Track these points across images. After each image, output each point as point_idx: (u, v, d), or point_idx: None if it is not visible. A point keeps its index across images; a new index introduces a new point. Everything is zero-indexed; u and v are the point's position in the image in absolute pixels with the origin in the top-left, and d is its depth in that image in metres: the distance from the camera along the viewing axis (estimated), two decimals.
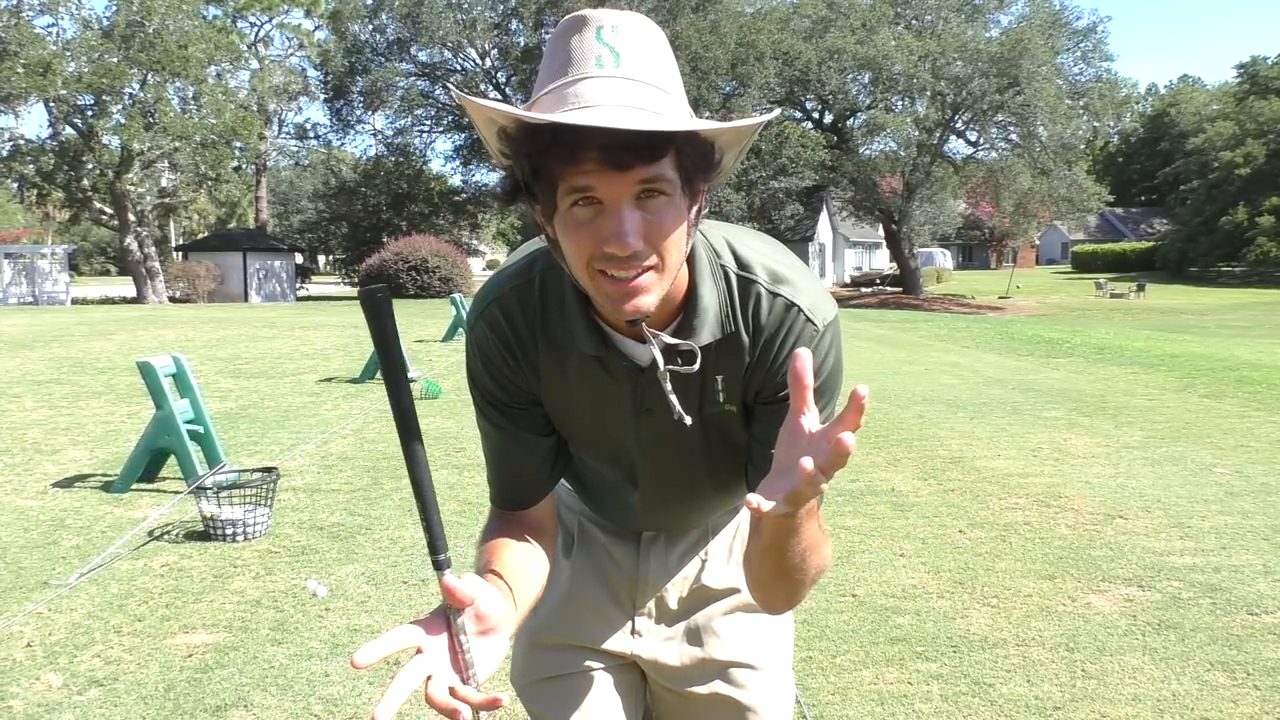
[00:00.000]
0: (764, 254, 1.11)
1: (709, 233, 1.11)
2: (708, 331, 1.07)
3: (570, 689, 1.32)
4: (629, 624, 1.35)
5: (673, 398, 1.06)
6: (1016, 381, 9.97)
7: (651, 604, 1.35)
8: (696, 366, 1.06)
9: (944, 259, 55.69)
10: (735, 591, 1.35)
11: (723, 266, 1.09)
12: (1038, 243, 63.78)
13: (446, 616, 0.90)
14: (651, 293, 0.97)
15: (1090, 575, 3.85)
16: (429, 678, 0.87)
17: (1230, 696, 2.80)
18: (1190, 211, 52.43)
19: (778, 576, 1.05)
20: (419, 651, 0.88)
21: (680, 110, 0.96)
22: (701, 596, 1.36)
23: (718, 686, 1.33)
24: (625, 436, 1.17)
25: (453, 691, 0.87)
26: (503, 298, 1.13)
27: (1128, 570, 3.90)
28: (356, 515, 4.74)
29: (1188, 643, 3.17)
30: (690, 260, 1.06)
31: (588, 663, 1.33)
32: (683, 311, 1.07)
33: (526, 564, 1.12)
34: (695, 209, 1.00)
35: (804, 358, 0.84)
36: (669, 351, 1.06)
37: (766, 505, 0.82)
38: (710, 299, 1.07)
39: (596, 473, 1.29)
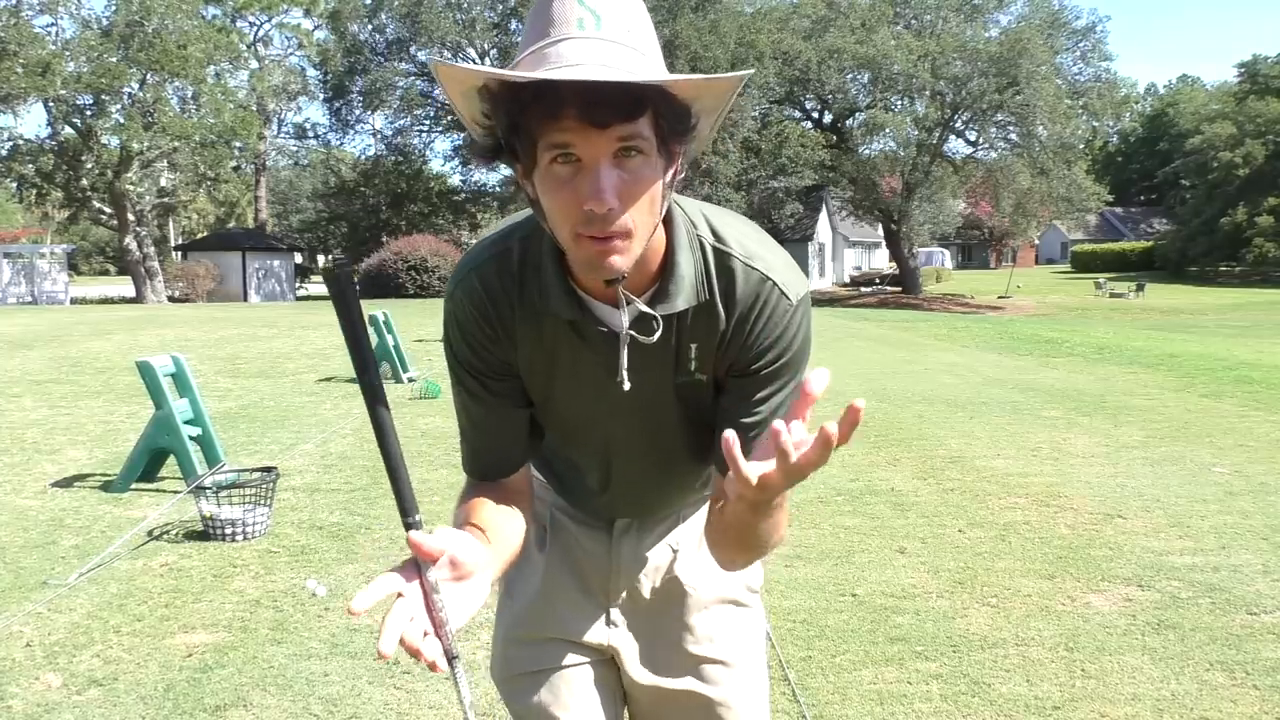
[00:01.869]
0: (740, 230, 1.15)
1: (687, 206, 1.14)
2: (683, 298, 1.09)
3: (548, 683, 1.33)
4: (604, 615, 1.36)
5: (624, 362, 1.10)
6: (1016, 381, 9.97)
7: (625, 594, 1.37)
8: (656, 337, 1.08)
9: (944, 259, 55.72)
10: (708, 584, 1.36)
11: (699, 237, 1.12)
12: (1037, 242, 63.81)
13: (418, 568, 0.93)
14: (626, 253, 0.99)
15: (1089, 575, 3.85)
16: (411, 619, 0.90)
17: (1229, 696, 2.80)
18: (1190, 211, 52.45)
19: (739, 549, 1.11)
20: (399, 595, 0.91)
21: (658, 71, 0.98)
22: (674, 588, 1.37)
23: (690, 683, 1.34)
24: (600, 403, 1.18)
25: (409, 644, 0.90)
26: (480, 266, 1.15)
27: (1127, 570, 3.90)
28: (356, 515, 4.74)
29: (1187, 642, 3.17)
30: (668, 228, 1.09)
31: (566, 657, 1.34)
32: (659, 278, 1.09)
33: (504, 520, 1.15)
34: (671, 172, 1.02)
35: (818, 379, 0.84)
36: (640, 319, 1.09)
37: (751, 470, 0.84)
38: (687, 266, 1.09)
39: (568, 455, 1.30)
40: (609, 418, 1.21)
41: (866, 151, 38.73)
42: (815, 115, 40.43)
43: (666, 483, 1.33)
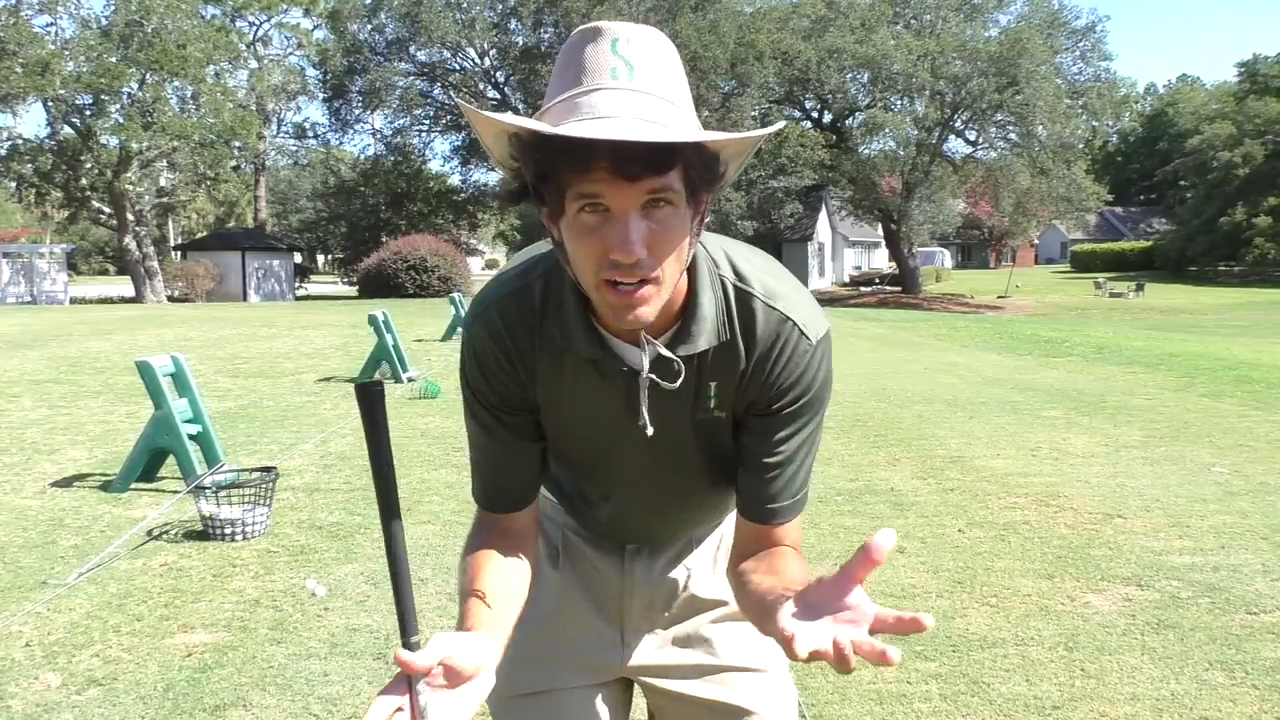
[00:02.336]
0: (761, 269, 1.14)
1: (708, 244, 1.13)
2: (704, 338, 1.09)
3: (552, 706, 1.30)
4: (617, 637, 1.34)
5: (644, 407, 1.10)
6: (1015, 381, 9.97)
7: (639, 616, 1.35)
8: (678, 384, 1.08)
9: (943, 259, 55.72)
10: (724, 603, 1.35)
11: (720, 277, 1.11)
12: (1036, 242, 63.84)
13: (409, 683, 0.92)
14: (652, 303, 0.99)
15: (1089, 574, 3.85)
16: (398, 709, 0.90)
17: (1229, 696, 2.80)
18: (1189, 211, 52.47)
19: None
20: (398, 710, 0.90)
21: (689, 124, 0.98)
22: (691, 606, 1.35)
23: (716, 692, 1.32)
24: (617, 441, 1.18)
25: None
26: (501, 300, 1.14)
27: (1126, 569, 3.90)
28: (355, 515, 4.74)
29: (1186, 642, 3.17)
30: (690, 268, 1.08)
31: (572, 679, 1.32)
32: (681, 318, 1.09)
33: (510, 581, 1.14)
34: (697, 219, 1.02)
35: (883, 542, 0.84)
36: (659, 361, 1.08)
37: (802, 648, 0.84)
38: (709, 307, 1.09)
39: (579, 486, 1.29)
40: (625, 454, 1.20)
41: (866, 151, 38.75)
42: (815, 115, 40.44)
43: (679, 515, 1.32)
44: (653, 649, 1.34)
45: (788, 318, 1.11)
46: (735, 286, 1.11)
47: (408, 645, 0.93)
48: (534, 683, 1.31)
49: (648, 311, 0.99)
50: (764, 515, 1.17)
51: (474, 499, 1.24)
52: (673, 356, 1.07)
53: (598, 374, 1.12)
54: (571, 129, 0.90)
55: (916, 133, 37.22)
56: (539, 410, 1.18)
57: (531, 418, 1.18)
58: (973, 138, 39.36)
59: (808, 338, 1.11)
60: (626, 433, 1.15)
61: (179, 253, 37.98)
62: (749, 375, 1.12)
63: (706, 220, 1.05)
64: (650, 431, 1.11)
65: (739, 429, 1.17)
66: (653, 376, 1.08)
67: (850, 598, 0.87)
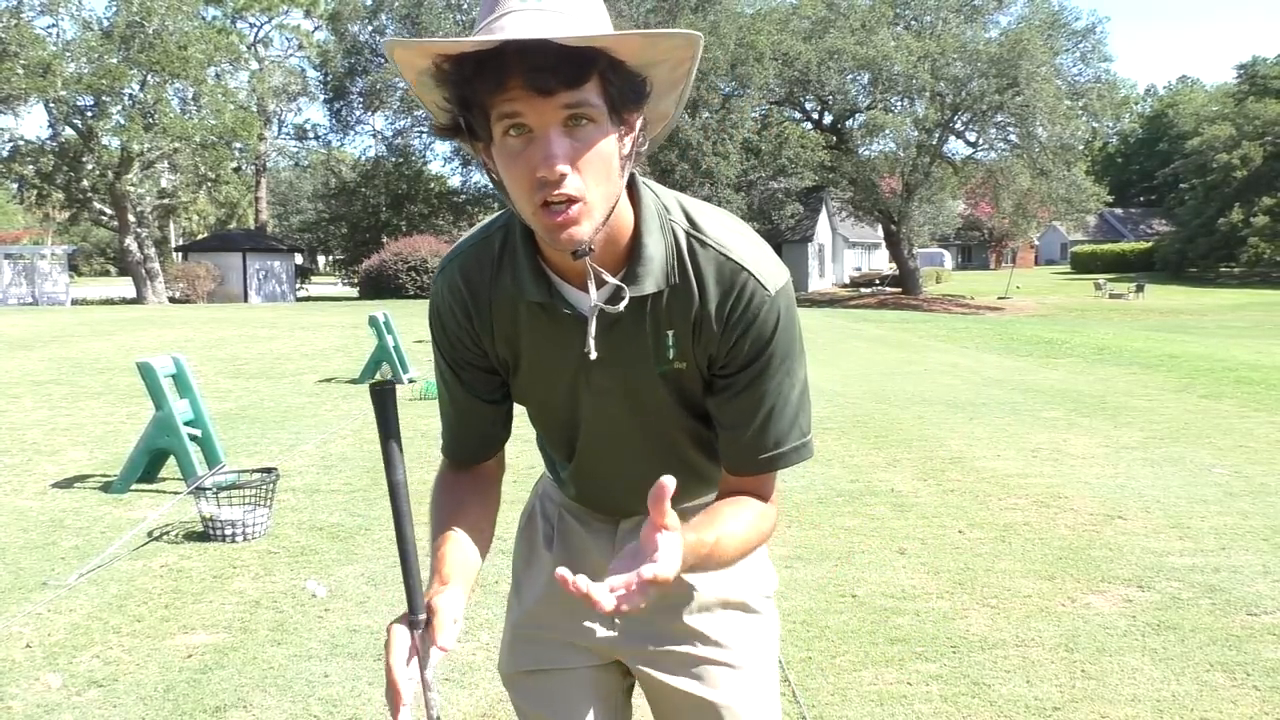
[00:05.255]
0: (716, 220, 1.15)
1: (661, 193, 1.15)
2: (652, 280, 1.10)
3: (549, 685, 1.35)
4: (608, 619, 1.34)
5: (592, 330, 1.11)
6: (1016, 382, 9.97)
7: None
8: (622, 306, 1.09)
9: (943, 260, 55.71)
10: (714, 587, 1.34)
11: (671, 222, 1.13)
12: (1037, 243, 63.83)
13: (410, 630, 1.02)
14: (584, 223, 1.00)
15: (1089, 576, 3.85)
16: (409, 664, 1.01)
17: (1230, 697, 2.80)
18: (1189, 212, 52.46)
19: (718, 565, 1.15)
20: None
21: (591, 32, 0.99)
22: (680, 590, 1.34)
23: (693, 685, 1.32)
24: (577, 389, 1.20)
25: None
26: (462, 254, 1.19)
27: (1127, 571, 3.90)
28: (356, 516, 4.74)
29: (1187, 643, 3.17)
30: (636, 210, 1.10)
31: (568, 659, 1.35)
32: (628, 260, 1.10)
33: (477, 525, 1.21)
34: (630, 141, 1.04)
35: (666, 485, 0.91)
36: (609, 294, 1.10)
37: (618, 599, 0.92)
38: (655, 249, 1.10)
39: (562, 446, 1.32)
40: (595, 408, 1.21)
41: (866, 152, 38.75)
42: (815, 116, 40.44)
43: (674, 475, 1.32)
44: (639, 635, 1.34)
45: (742, 267, 1.11)
46: (687, 233, 1.12)
47: (413, 622, 1.01)
48: (535, 660, 1.36)
49: (580, 231, 1.00)
50: (730, 465, 1.20)
51: (442, 450, 1.32)
52: (618, 283, 1.09)
53: (548, 319, 1.14)
54: (468, 39, 0.94)
55: (917, 134, 37.21)
56: (502, 370, 1.23)
57: (491, 377, 1.23)
58: (973, 139, 39.36)
59: (765, 288, 1.11)
60: (590, 385, 1.17)
61: (180, 254, 37.98)
62: (703, 323, 1.12)
63: (643, 148, 1.06)
64: (594, 355, 1.12)
65: (710, 389, 1.18)
66: (600, 305, 1.10)
67: (659, 547, 0.93)
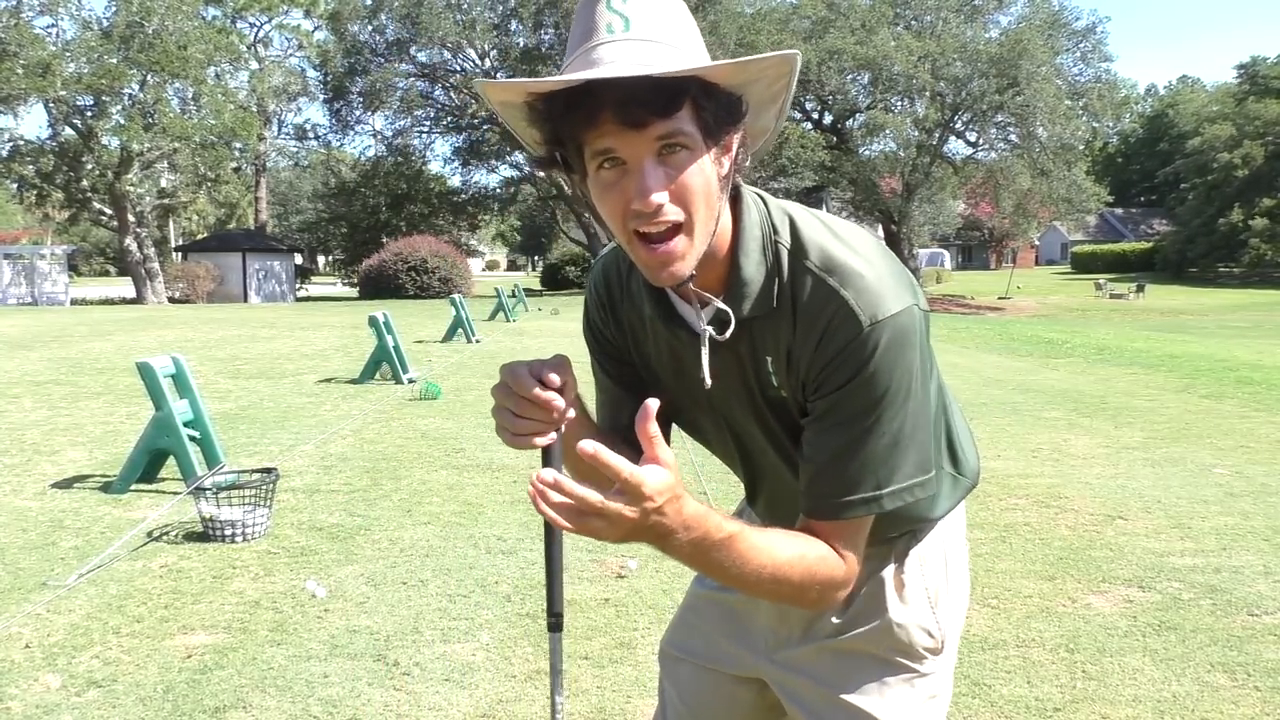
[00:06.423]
0: (827, 238, 1.07)
1: (773, 209, 1.10)
2: (749, 304, 1.06)
3: (694, 680, 1.37)
4: (759, 641, 1.32)
5: (705, 359, 1.09)
6: (1016, 382, 9.96)
7: (776, 621, 1.30)
8: (728, 335, 1.07)
9: (944, 260, 55.73)
10: (868, 629, 1.23)
11: (776, 242, 1.07)
12: (1037, 243, 63.81)
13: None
14: (685, 258, 0.99)
15: (1090, 576, 3.84)
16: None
17: (1231, 698, 2.79)
18: (1189, 212, 52.47)
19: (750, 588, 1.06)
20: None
21: (686, 64, 0.97)
22: (823, 624, 1.26)
23: None
24: (699, 403, 1.20)
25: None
26: (605, 258, 1.25)
27: (1128, 571, 3.89)
28: (356, 516, 4.73)
29: (1188, 644, 3.17)
30: (735, 227, 1.07)
31: (719, 663, 1.36)
32: (727, 281, 1.08)
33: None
34: (729, 162, 1.01)
35: (650, 407, 0.91)
36: (716, 319, 1.09)
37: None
38: (753, 271, 1.06)
39: (709, 448, 1.33)
40: (724, 416, 1.20)
41: (866, 152, 38.75)
42: (815, 116, 40.45)
43: (787, 507, 1.26)
44: (783, 662, 1.29)
45: (838, 293, 1.02)
46: (790, 253, 1.06)
47: (555, 617, 1.11)
48: (690, 649, 1.39)
49: (682, 267, 0.99)
50: (802, 503, 1.10)
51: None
52: (725, 308, 1.06)
53: (667, 330, 1.14)
54: (558, 78, 0.93)
55: (917, 134, 37.23)
56: (640, 365, 1.25)
57: (631, 370, 1.26)
58: (973, 139, 39.38)
59: (857, 319, 1.01)
60: (705, 393, 1.14)
61: (180, 254, 37.99)
62: (796, 352, 1.06)
63: (744, 164, 1.04)
64: (709, 384, 1.10)
65: (804, 417, 1.11)
66: (710, 330, 1.08)
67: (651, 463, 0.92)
